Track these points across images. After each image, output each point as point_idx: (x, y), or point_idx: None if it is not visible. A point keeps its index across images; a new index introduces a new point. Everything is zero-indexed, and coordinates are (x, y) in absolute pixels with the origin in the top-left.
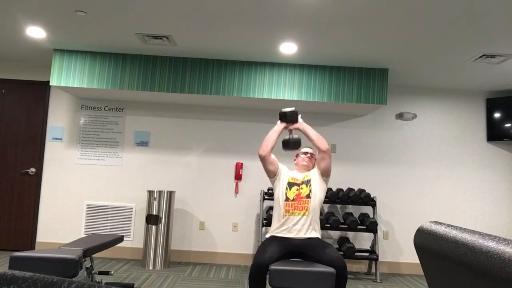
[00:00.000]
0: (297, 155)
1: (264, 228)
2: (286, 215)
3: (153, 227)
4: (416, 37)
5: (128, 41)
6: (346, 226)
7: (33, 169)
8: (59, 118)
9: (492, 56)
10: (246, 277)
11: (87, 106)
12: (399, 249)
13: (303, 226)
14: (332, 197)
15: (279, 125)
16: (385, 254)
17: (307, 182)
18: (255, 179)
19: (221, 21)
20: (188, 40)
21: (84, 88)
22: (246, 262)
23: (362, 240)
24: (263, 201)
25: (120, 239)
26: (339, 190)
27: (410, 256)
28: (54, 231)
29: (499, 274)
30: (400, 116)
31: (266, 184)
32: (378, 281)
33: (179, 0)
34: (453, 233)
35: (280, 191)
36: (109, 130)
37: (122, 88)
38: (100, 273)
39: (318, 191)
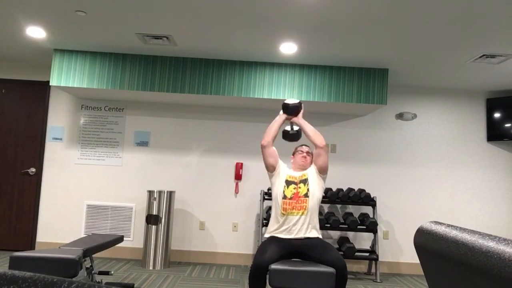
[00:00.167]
0: (294, 154)
1: (264, 228)
2: (284, 214)
3: (153, 227)
4: (416, 37)
5: (128, 41)
6: (346, 226)
7: (33, 169)
8: (59, 118)
9: (492, 56)
10: (246, 277)
11: (87, 106)
12: (399, 249)
13: (302, 226)
14: (332, 197)
15: (281, 116)
16: (385, 254)
17: (305, 181)
18: (255, 179)
19: (221, 21)
20: (188, 40)
21: (84, 88)
22: (246, 262)
23: (362, 240)
24: (263, 201)
25: (120, 239)
26: (339, 190)
27: (410, 256)
28: (54, 231)
29: (499, 274)
30: (400, 116)
31: (266, 184)
32: (378, 281)
33: (179, 0)
34: (453, 233)
35: (278, 188)
36: (109, 130)
37: (122, 88)
38: (100, 273)
39: (316, 190)
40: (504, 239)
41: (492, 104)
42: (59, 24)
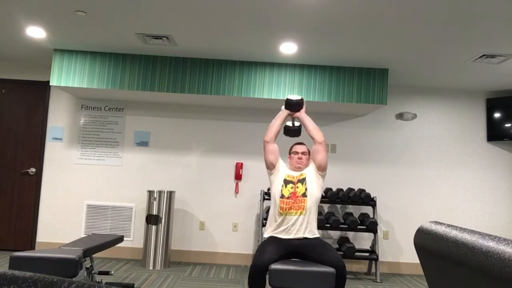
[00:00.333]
0: (290, 154)
1: (264, 228)
2: (281, 214)
3: (153, 227)
4: (416, 37)
5: (128, 41)
6: (346, 226)
7: (33, 169)
8: (59, 118)
9: (492, 56)
10: (246, 277)
11: (87, 106)
12: (399, 249)
13: (301, 226)
14: (332, 197)
15: (283, 112)
16: (385, 254)
17: (303, 181)
18: (255, 179)
19: (221, 21)
20: (188, 40)
21: (84, 88)
22: (246, 262)
23: (362, 240)
24: (263, 201)
25: (120, 239)
26: (339, 190)
27: (410, 256)
28: (54, 231)
29: (499, 274)
30: (400, 116)
31: (266, 184)
32: (378, 281)
33: (179, 0)
34: (453, 233)
35: (276, 187)
36: (109, 130)
37: (122, 88)
38: (100, 273)
39: (314, 189)
40: (504, 239)
41: (492, 104)
42: (59, 24)
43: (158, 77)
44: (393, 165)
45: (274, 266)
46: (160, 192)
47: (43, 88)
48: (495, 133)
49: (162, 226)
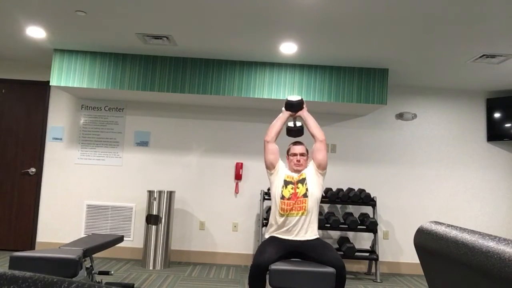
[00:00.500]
0: (288, 156)
1: (264, 228)
2: (282, 215)
3: (153, 227)
4: (416, 37)
5: (128, 41)
6: (346, 226)
7: (33, 169)
8: (59, 118)
9: (492, 56)
10: (246, 277)
11: (87, 106)
12: (399, 249)
13: (302, 226)
14: (332, 197)
15: (284, 113)
16: (385, 254)
17: (303, 181)
18: (255, 179)
19: (221, 21)
20: (188, 40)
21: (84, 88)
22: (246, 262)
23: (362, 240)
24: (263, 201)
25: (120, 239)
26: (339, 190)
27: (410, 256)
28: (54, 231)
29: (499, 274)
30: (400, 116)
31: (266, 184)
32: (378, 281)
33: (179, 0)
34: (453, 233)
35: (276, 188)
36: (109, 130)
37: (122, 88)
38: (100, 273)
39: (315, 189)
40: (504, 239)
41: (492, 104)
42: (59, 24)
43: (158, 77)
44: (393, 165)
45: (274, 266)
46: (160, 192)
47: (43, 88)
48: (495, 133)
49: (162, 226)
